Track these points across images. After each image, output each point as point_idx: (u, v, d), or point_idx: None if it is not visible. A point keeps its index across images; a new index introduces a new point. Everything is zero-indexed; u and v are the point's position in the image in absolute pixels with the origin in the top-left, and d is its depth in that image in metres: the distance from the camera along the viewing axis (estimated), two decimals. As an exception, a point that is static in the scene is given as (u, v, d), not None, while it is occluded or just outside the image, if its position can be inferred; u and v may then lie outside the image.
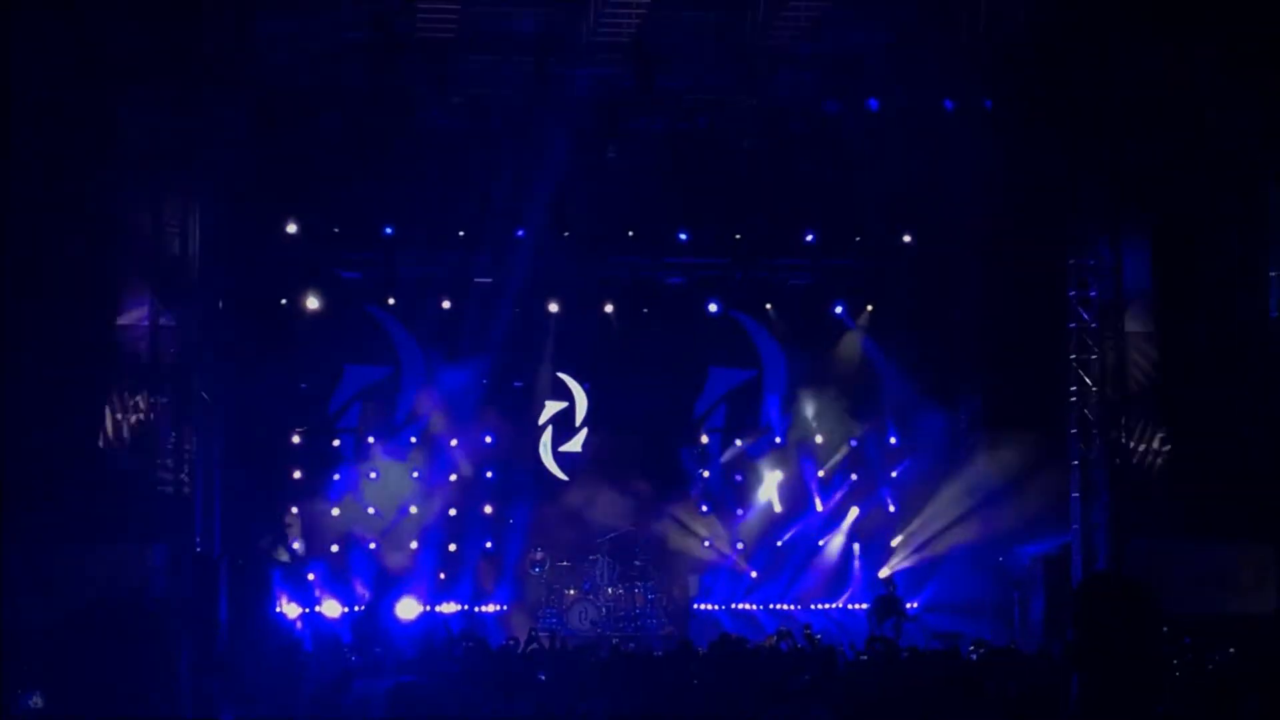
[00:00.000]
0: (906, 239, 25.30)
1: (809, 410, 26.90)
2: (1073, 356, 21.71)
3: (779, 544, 26.77)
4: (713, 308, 26.31)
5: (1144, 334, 21.62)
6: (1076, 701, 4.98)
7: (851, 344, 26.85)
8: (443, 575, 25.50)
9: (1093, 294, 21.62)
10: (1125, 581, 5.38)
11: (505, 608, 25.68)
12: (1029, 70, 21.85)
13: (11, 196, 18.23)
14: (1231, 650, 16.20)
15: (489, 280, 25.53)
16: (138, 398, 19.71)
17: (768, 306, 26.84)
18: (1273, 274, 20.56)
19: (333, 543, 25.12)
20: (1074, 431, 21.17)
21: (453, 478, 25.99)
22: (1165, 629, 15.51)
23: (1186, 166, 20.55)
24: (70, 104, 19.22)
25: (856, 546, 26.68)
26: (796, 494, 26.89)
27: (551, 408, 26.79)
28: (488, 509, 26.18)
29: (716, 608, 26.21)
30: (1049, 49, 21.30)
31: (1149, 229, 21.52)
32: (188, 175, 20.08)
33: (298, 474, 25.30)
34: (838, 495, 26.85)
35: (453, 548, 25.80)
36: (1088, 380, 21.48)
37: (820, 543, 26.76)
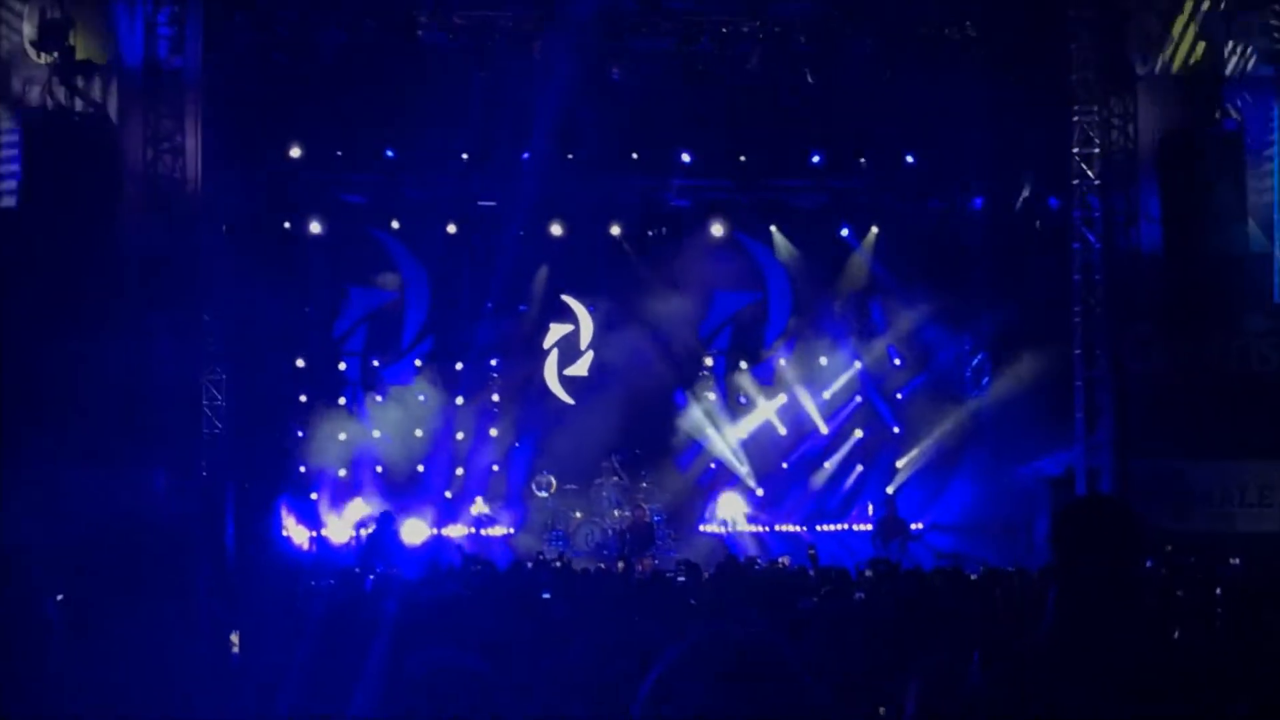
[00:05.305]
0: (910, 159, 25.11)
1: (814, 332, 26.85)
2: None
3: (784, 466, 26.80)
4: (718, 230, 26.19)
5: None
6: (1050, 617, 5.01)
7: (857, 265, 26.74)
8: (449, 495, 25.54)
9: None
10: (1105, 502, 5.37)
11: (512, 531, 25.74)
12: None
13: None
14: (1236, 561, 16.19)
15: (493, 203, 25.43)
16: (140, 321, 19.66)
17: (772, 229, 26.72)
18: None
19: (339, 466, 25.15)
20: (1078, 352, 21.01)
21: (459, 401, 25.97)
22: (1152, 547, 15.46)
23: None
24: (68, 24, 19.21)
25: (860, 468, 26.69)
26: (801, 416, 26.87)
27: (557, 331, 26.74)
28: (494, 432, 26.20)
29: (723, 530, 26.23)
30: None
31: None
32: (188, 96, 19.97)
33: (303, 398, 25.34)
34: (842, 417, 26.83)
35: (459, 471, 25.84)
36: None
37: (825, 464, 26.77)
